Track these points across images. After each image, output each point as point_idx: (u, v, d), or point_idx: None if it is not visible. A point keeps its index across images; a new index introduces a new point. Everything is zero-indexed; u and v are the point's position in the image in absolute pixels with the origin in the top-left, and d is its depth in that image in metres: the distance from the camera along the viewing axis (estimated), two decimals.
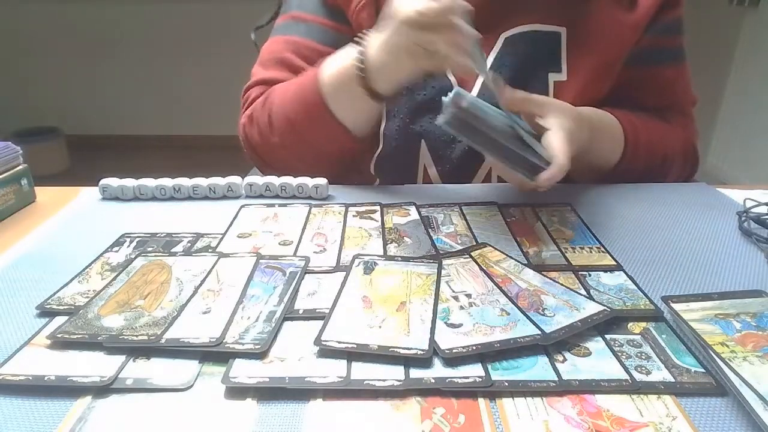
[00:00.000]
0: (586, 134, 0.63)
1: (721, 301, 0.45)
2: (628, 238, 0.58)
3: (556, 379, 0.38)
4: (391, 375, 0.38)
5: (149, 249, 0.55)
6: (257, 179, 0.68)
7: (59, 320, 0.44)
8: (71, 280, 0.49)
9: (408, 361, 0.39)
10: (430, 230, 0.59)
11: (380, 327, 0.42)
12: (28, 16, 3.25)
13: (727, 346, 0.40)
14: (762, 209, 0.61)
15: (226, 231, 0.59)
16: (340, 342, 0.40)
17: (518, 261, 0.52)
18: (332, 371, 0.38)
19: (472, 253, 0.53)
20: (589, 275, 0.51)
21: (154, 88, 3.44)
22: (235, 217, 0.62)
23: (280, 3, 0.82)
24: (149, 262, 0.52)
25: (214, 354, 0.40)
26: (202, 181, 0.68)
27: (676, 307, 0.44)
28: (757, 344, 0.40)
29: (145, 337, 0.41)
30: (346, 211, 0.63)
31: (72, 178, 3.04)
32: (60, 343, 0.41)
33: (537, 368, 0.39)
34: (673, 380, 0.38)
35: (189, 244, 0.56)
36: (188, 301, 0.46)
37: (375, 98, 0.64)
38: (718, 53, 2.72)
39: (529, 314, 0.44)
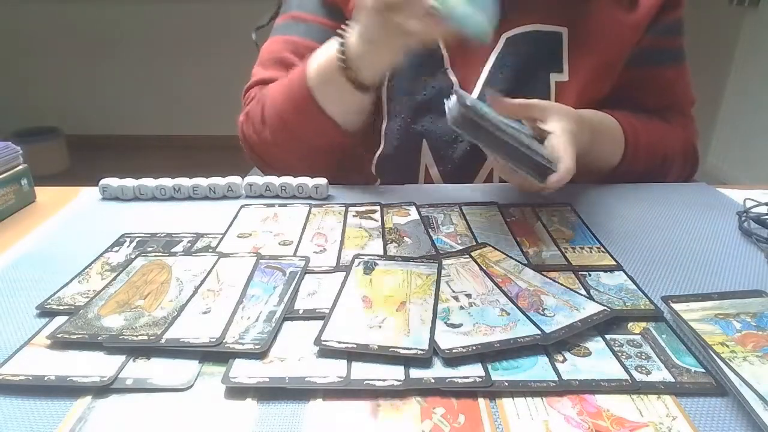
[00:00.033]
0: (586, 136, 0.63)
1: (721, 301, 0.45)
2: (628, 238, 0.58)
3: (556, 379, 0.38)
4: (391, 375, 0.38)
5: (149, 249, 0.55)
6: (257, 179, 0.68)
7: (59, 320, 0.44)
8: (71, 280, 0.49)
9: (408, 361, 0.39)
10: (430, 230, 0.59)
11: (380, 327, 0.42)
12: (28, 16, 3.25)
13: (727, 346, 0.40)
14: (762, 209, 0.61)
15: (226, 231, 0.59)
16: (340, 342, 0.40)
17: (518, 261, 0.52)
18: (332, 371, 0.38)
19: (472, 253, 0.53)
20: (589, 275, 0.51)
21: (154, 88, 3.44)
22: (235, 217, 0.62)
23: (280, 3, 0.82)
24: (149, 262, 0.52)
25: (214, 354, 0.40)
26: (202, 181, 0.68)
27: (676, 307, 0.44)
28: (757, 344, 0.40)
29: (145, 337, 0.41)
30: (346, 211, 0.63)
31: (72, 178, 3.04)
32: (60, 343, 0.41)
33: (537, 368, 0.39)
34: (673, 380, 0.38)
35: (189, 244, 0.56)
36: (188, 301, 0.46)
37: (360, 89, 0.63)
38: (718, 53, 2.72)
39: (529, 314, 0.44)
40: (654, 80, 0.77)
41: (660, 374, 0.38)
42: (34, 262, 0.53)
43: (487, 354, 0.40)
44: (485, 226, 0.60)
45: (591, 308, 0.44)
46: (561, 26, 0.70)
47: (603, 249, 0.55)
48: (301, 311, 0.45)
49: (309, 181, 0.67)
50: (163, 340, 0.41)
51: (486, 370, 0.38)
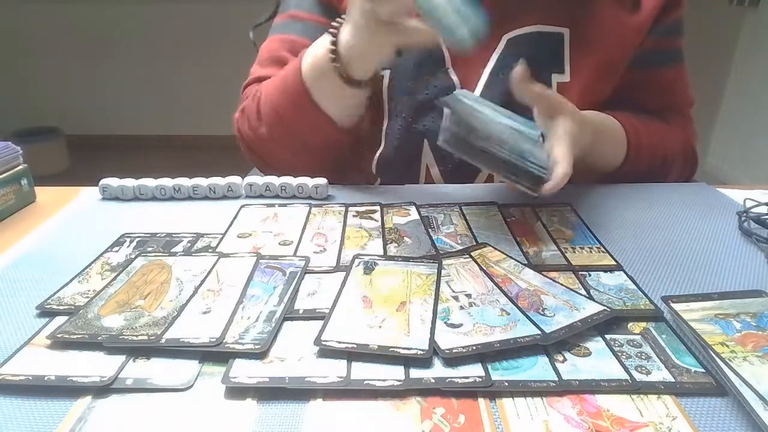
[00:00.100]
0: (588, 138, 0.63)
1: (721, 301, 0.45)
2: (628, 238, 0.58)
3: (556, 379, 0.38)
4: (391, 375, 0.38)
5: (149, 249, 0.55)
6: (257, 179, 0.68)
7: (59, 320, 0.44)
8: (71, 280, 0.49)
9: (408, 361, 0.39)
10: (430, 230, 0.59)
11: (380, 327, 0.42)
12: (28, 16, 3.26)
13: (727, 346, 0.40)
14: (762, 209, 0.61)
15: (226, 231, 0.59)
16: (340, 342, 0.40)
17: (518, 261, 0.52)
18: (332, 371, 0.38)
19: (472, 253, 0.53)
20: (589, 275, 0.51)
21: (154, 88, 3.44)
22: (235, 217, 0.62)
23: (278, 2, 0.82)
24: (149, 262, 0.52)
25: (214, 354, 0.40)
26: (202, 181, 0.68)
27: (676, 307, 0.44)
28: (757, 344, 0.40)
29: (145, 337, 0.41)
30: (346, 211, 0.63)
31: (72, 178, 3.05)
32: (60, 343, 0.41)
33: (537, 368, 0.39)
34: (673, 380, 0.38)
35: (189, 244, 0.56)
36: (188, 301, 0.46)
37: (350, 84, 0.63)
38: (718, 53, 2.72)
39: (529, 314, 0.44)
40: (654, 81, 0.77)
41: (660, 374, 0.38)
42: (34, 262, 0.53)
43: (487, 354, 0.40)
44: (485, 226, 0.60)
45: (591, 308, 0.44)
46: (563, 27, 0.70)
47: (603, 249, 0.55)
48: (301, 311, 0.45)
49: (309, 181, 0.67)
50: (163, 340, 0.41)
51: (486, 370, 0.38)
